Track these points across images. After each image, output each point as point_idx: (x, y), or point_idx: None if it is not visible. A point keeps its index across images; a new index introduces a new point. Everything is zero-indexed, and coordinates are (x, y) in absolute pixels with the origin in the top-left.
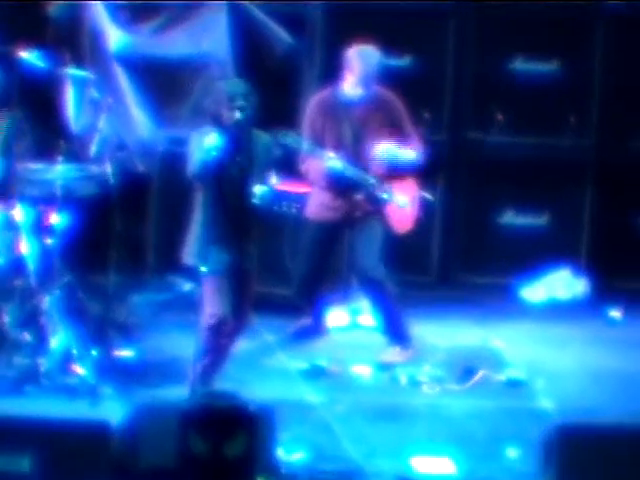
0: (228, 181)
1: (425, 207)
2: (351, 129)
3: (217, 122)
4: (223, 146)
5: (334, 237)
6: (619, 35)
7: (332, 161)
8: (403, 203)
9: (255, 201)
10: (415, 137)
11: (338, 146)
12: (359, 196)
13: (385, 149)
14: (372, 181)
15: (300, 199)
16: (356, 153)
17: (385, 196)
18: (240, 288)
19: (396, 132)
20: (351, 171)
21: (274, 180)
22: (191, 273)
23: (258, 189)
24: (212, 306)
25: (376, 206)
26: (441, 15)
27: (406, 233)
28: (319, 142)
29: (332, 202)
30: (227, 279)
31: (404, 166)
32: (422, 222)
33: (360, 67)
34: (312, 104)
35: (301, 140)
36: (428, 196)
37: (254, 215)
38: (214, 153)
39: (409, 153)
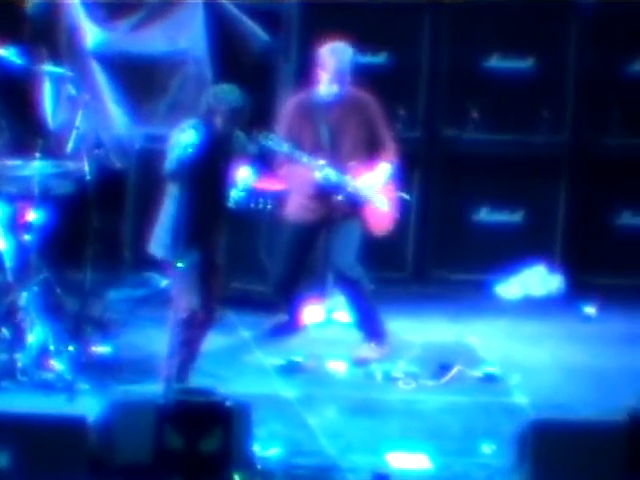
0: (202, 177)
1: (402, 207)
2: (328, 130)
3: (206, 125)
4: (199, 143)
5: (312, 237)
6: (593, 32)
7: (325, 170)
8: (381, 204)
9: (229, 199)
10: (388, 139)
11: (315, 147)
12: (338, 198)
13: (367, 184)
14: (350, 182)
15: (276, 196)
16: (333, 154)
17: (362, 196)
18: (210, 282)
19: (370, 132)
20: (337, 177)
21: (250, 177)
22: (164, 266)
23: (236, 193)
24: (184, 300)
25: (354, 207)
26: (416, 11)
27: (383, 234)
28: (296, 144)
29: (311, 203)
30: (197, 273)
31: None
32: (398, 220)
33: (333, 64)
34: (288, 106)
35: (282, 143)
36: (405, 196)
37: (225, 210)
38: (190, 150)
39: (385, 168)
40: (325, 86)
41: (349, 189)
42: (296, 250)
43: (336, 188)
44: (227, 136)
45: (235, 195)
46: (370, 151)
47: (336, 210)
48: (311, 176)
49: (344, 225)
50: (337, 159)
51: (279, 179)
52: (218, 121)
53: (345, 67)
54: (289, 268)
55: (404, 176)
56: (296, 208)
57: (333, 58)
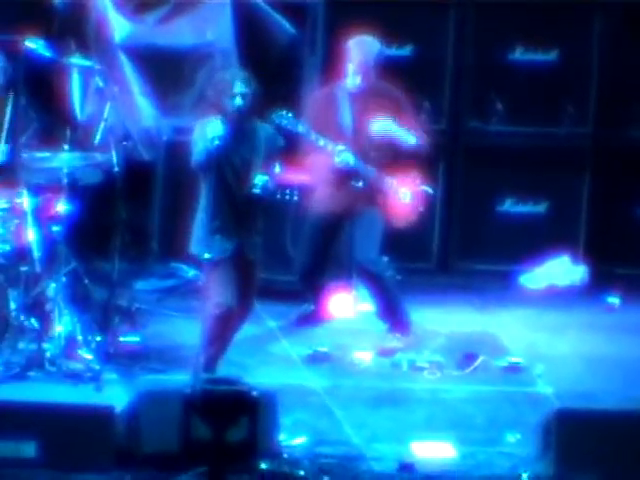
0: (231, 170)
1: (425, 200)
2: (352, 121)
3: (219, 111)
4: (226, 135)
5: (336, 227)
6: (617, 24)
7: (342, 154)
8: (404, 195)
9: (256, 190)
10: (416, 130)
11: (339, 138)
12: (360, 188)
13: (383, 125)
14: (374, 173)
15: (302, 188)
16: (357, 145)
17: (386, 188)
18: (244, 277)
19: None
20: (356, 163)
21: (276, 169)
22: (195, 261)
23: (259, 179)
24: (217, 295)
25: (375, 198)
26: (441, 4)
27: (406, 225)
28: (321, 134)
29: (334, 193)
30: (231, 268)
31: (404, 152)
32: (422, 212)
33: (360, 57)
34: (313, 98)
35: (296, 121)
36: (428, 189)
37: (258, 204)
38: (217, 142)
39: (408, 136)
40: (351, 78)
41: (371, 179)
42: (320, 240)
43: (356, 173)
44: (250, 126)
45: (259, 180)
46: (395, 143)
47: (359, 200)
48: (331, 163)
49: (366, 217)
50: (361, 150)
51: (304, 170)
52: (228, 103)
53: (372, 60)
54: (313, 257)
55: (429, 167)
56: (319, 198)
57: (359, 51)
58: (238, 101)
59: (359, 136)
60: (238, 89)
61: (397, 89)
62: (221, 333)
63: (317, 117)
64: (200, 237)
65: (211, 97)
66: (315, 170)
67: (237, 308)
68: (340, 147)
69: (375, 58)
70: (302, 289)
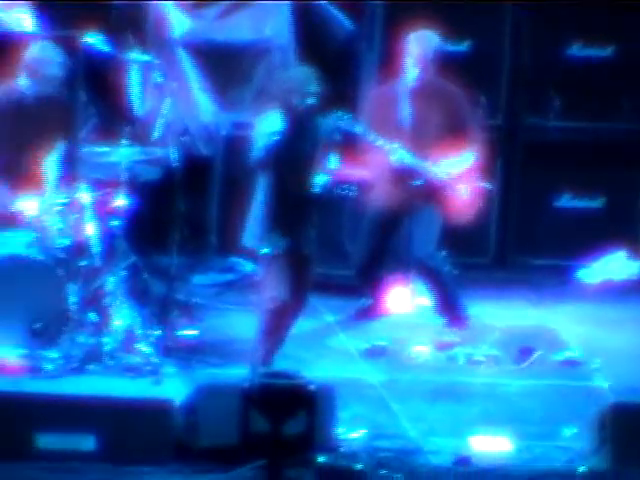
0: (290, 165)
1: (483, 196)
2: (411, 117)
3: (284, 107)
4: (285, 130)
5: (394, 223)
6: None
7: (398, 152)
8: (462, 191)
9: (316, 190)
10: (473, 131)
11: (398, 135)
12: (416, 182)
13: (447, 165)
14: (431, 169)
15: (359, 183)
16: (416, 141)
17: (444, 184)
18: (299, 272)
19: (455, 122)
20: (413, 160)
21: (334, 164)
22: (252, 255)
23: (320, 178)
24: (272, 289)
25: (433, 194)
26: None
27: (464, 221)
28: (380, 131)
29: (393, 190)
30: (286, 262)
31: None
32: (480, 208)
33: (419, 51)
34: (372, 95)
35: (356, 124)
36: (486, 185)
37: (315, 200)
38: (276, 137)
39: (468, 157)
40: (409, 73)
41: (428, 175)
42: (378, 235)
43: (413, 172)
44: (310, 122)
45: (321, 183)
46: (453, 139)
47: (416, 196)
48: (388, 160)
49: (424, 212)
50: (419, 145)
51: (362, 166)
52: (295, 102)
53: (431, 55)
54: (371, 253)
55: (486, 163)
56: (378, 194)
57: (418, 45)
58: (310, 100)
59: (418, 132)
60: (308, 90)
61: (455, 86)
62: (276, 327)
63: (376, 114)
64: (257, 231)
65: (277, 94)
66: (374, 167)
67: (292, 302)
68: (396, 145)
69: (434, 52)
70: (359, 284)
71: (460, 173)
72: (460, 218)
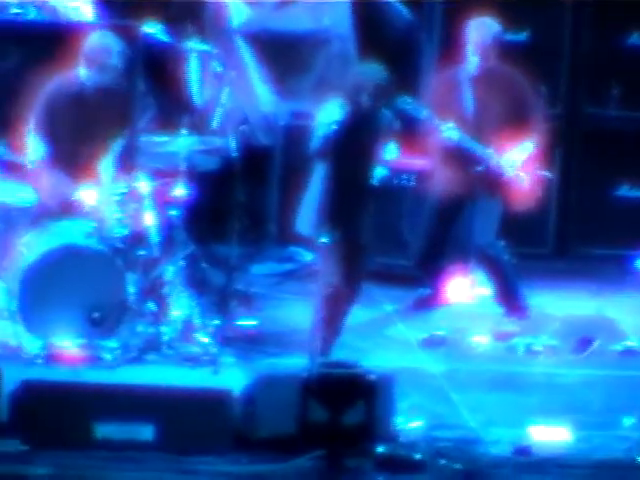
0: (348, 155)
1: (543, 184)
2: (473, 104)
3: (351, 102)
4: (344, 120)
5: (454, 211)
6: None
7: (449, 131)
8: (523, 180)
9: (374, 182)
10: (536, 117)
11: (460, 122)
12: (479, 171)
13: (509, 153)
14: (492, 156)
15: (418, 172)
16: (478, 128)
17: (504, 172)
18: (354, 260)
19: (517, 108)
20: (469, 143)
21: (394, 154)
22: (309, 243)
23: (379, 171)
24: (327, 276)
25: (495, 182)
26: None
27: (524, 210)
28: (442, 118)
29: (454, 177)
30: (342, 251)
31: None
32: (540, 196)
33: (478, 38)
34: (434, 81)
35: (419, 107)
36: (546, 174)
37: (372, 190)
38: (334, 127)
39: (529, 145)
40: (470, 60)
41: (490, 162)
42: (438, 224)
43: (476, 159)
44: (372, 114)
45: (379, 173)
46: (515, 126)
47: (477, 184)
48: (452, 147)
49: (484, 201)
50: (481, 133)
51: (422, 155)
52: (363, 99)
53: (491, 41)
54: (431, 241)
55: (546, 152)
56: (439, 181)
57: (478, 32)
58: (373, 100)
59: (480, 119)
60: (376, 89)
61: (520, 74)
62: (331, 315)
63: (438, 101)
64: (311, 219)
65: (342, 86)
66: (435, 154)
67: (346, 291)
68: (460, 132)
69: (494, 39)
70: (419, 272)
71: (521, 161)
72: (520, 207)
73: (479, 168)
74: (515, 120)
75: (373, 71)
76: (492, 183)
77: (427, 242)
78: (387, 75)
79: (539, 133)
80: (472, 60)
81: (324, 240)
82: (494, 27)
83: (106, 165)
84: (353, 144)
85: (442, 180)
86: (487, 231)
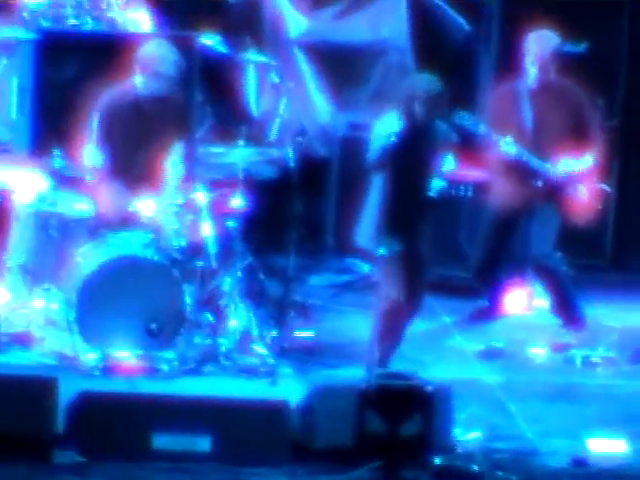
0: (406, 167)
1: (601, 197)
2: (532, 117)
3: (406, 113)
4: (403, 132)
5: (512, 222)
6: None
7: (507, 145)
8: (581, 193)
9: (432, 194)
10: (594, 130)
11: (519, 135)
12: (537, 183)
13: (565, 165)
14: (551, 169)
15: (476, 184)
16: (537, 142)
17: (563, 184)
18: (413, 273)
19: (576, 121)
20: (528, 157)
21: (452, 165)
22: (367, 255)
23: (436, 183)
24: (387, 289)
25: (553, 195)
26: (616, 1)
27: (583, 222)
28: (501, 132)
29: (511, 189)
30: (401, 263)
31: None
32: (598, 209)
33: (538, 50)
34: (494, 95)
35: (477, 122)
36: (605, 187)
37: (428, 200)
38: (393, 139)
39: (588, 158)
40: (530, 73)
41: (549, 175)
42: (497, 234)
43: (535, 173)
44: (428, 125)
45: (437, 184)
46: (574, 139)
47: (536, 196)
48: (511, 160)
49: (543, 212)
50: (540, 146)
51: (480, 166)
52: (418, 109)
53: (550, 54)
54: (489, 253)
55: (604, 165)
56: (497, 193)
57: (538, 44)
58: (427, 111)
59: (539, 132)
60: (430, 100)
61: (579, 88)
62: (391, 328)
63: (497, 115)
64: (370, 231)
65: (397, 98)
66: (494, 167)
67: (406, 303)
68: (520, 147)
69: (553, 52)
70: (477, 284)
71: (580, 174)
72: (578, 219)
73: (538, 182)
74: (573, 133)
75: (426, 81)
76: (550, 196)
77: (485, 254)
78: (440, 85)
79: (597, 146)
80: (531, 73)
81: (382, 252)
82: (554, 40)
83: (167, 175)
84: (410, 156)
85: (500, 192)
86: (544, 242)
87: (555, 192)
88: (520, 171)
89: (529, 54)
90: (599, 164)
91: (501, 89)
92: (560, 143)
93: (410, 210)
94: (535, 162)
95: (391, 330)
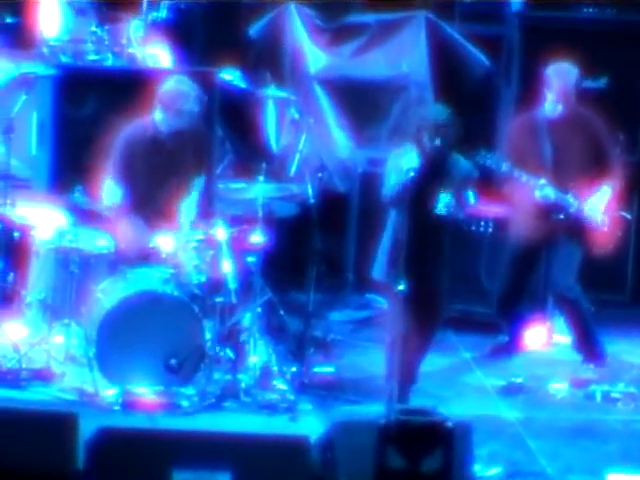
0: (421, 202)
1: (623, 226)
2: (552, 149)
3: (417, 144)
4: (421, 167)
5: (534, 256)
6: None
7: (545, 189)
8: (603, 222)
9: (440, 211)
10: (613, 158)
11: (539, 166)
12: (559, 217)
13: (590, 203)
14: (573, 202)
15: (497, 220)
16: (557, 173)
17: (585, 218)
18: (424, 307)
19: (596, 151)
20: (558, 196)
21: (472, 201)
22: (384, 289)
23: (443, 197)
24: (392, 323)
25: (575, 227)
26: (637, 36)
27: (604, 252)
28: (521, 162)
29: (533, 222)
30: (412, 298)
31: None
32: (619, 242)
33: (558, 84)
34: (513, 125)
35: (501, 161)
36: (626, 215)
37: (441, 232)
38: (412, 174)
39: (606, 191)
40: (550, 106)
41: (570, 208)
42: (518, 268)
43: (557, 207)
44: (441, 158)
45: (443, 199)
46: (594, 170)
47: (558, 229)
48: (532, 195)
49: (565, 245)
50: (560, 178)
51: (500, 202)
52: (426, 139)
53: (570, 87)
54: (511, 286)
55: (624, 196)
56: (519, 227)
57: (559, 78)
58: (438, 141)
59: (559, 164)
60: (440, 129)
61: (597, 119)
62: (396, 360)
63: (516, 145)
64: (384, 266)
65: (411, 131)
66: (515, 201)
67: (417, 337)
68: (542, 182)
69: (574, 85)
70: (499, 318)
71: (602, 206)
72: (601, 248)
73: (560, 215)
74: (593, 163)
75: (434, 111)
76: (572, 229)
77: (506, 288)
78: (448, 114)
79: (617, 176)
80: (552, 106)
81: (400, 288)
82: (573, 73)
83: (188, 205)
84: (428, 191)
85: (521, 226)
86: (567, 275)
87: (577, 224)
88: (542, 205)
89: (549, 87)
90: (619, 194)
91: (520, 120)
92: (580, 174)
93: (421, 243)
94: (559, 196)
95: (404, 365)
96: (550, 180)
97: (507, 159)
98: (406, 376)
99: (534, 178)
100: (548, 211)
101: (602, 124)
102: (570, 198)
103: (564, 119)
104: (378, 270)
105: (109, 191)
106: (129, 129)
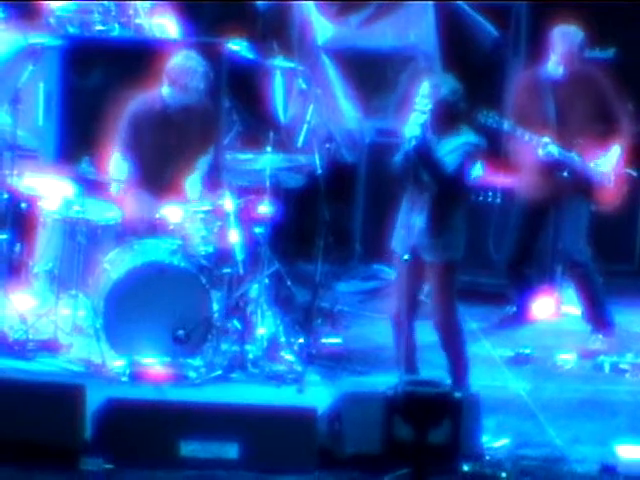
0: (420, 171)
1: (629, 182)
2: (555, 107)
3: (423, 113)
4: (424, 136)
5: (541, 216)
6: None
7: (549, 146)
8: (608, 179)
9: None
10: (621, 113)
11: (543, 124)
12: (563, 174)
13: (598, 157)
14: (578, 159)
15: (505, 191)
16: (561, 131)
17: (591, 174)
18: (414, 277)
19: (602, 108)
20: (562, 153)
21: (480, 172)
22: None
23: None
24: (394, 294)
25: (581, 185)
26: None
27: (611, 210)
28: (524, 120)
29: (540, 183)
30: (407, 268)
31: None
32: (626, 204)
33: (562, 46)
34: (516, 83)
35: (502, 120)
36: (632, 172)
37: (450, 204)
38: (414, 142)
39: (615, 150)
40: (552, 67)
41: (575, 166)
42: (527, 230)
43: (561, 164)
44: (451, 128)
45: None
46: (601, 128)
47: (563, 188)
48: (536, 153)
49: (572, 205)
50: (564, 136)
51: (508, 172)
52: (427, 110)
53: (574, 50)
54: (521, 247)
55: (633, 167)
56: (526, 187)
57: (563, 41)
58: (439, 106)
59: (563, 124)
60: (444, 94)
61: (603, 75)
62: (400, 332)
63: (519, 104)
64: (399, 237)
65: (415, 100)
66: (520, 161)
67: (404, 307)
68: (545, 139)
69: (578, 47)
70: (508, 281)
71: (610, 165)
72: (608, 207)
73: (564, 173)
74: (600, 122)
75: (438, 80)
76: (579, 186)
77: (517, 247)
78: (454, 84)
79: (627, 133)
80: (555, 67)
81: (405, 258)
82: (578, 36)
83: (192, 183)
84: (431, 161)
85: (530, 185)
86: (576, 237)
87: (584, 183)
88: (545, 163)
89: (554, 49)
90: (628, 149)
91: (523, 78)
92: (586, 133)
93: (419, 213)
94: (564, 154)
95: (402, 336)
96: (554, 138)
97: (510, 117)
98: (408, 346)
99: (537, 136)
100: (552, 169)
101: (609, 82)
102: (574, 155)
103: (568, 79)
104: (395, 241)
105: (117, 163)
106: (137, 103)
